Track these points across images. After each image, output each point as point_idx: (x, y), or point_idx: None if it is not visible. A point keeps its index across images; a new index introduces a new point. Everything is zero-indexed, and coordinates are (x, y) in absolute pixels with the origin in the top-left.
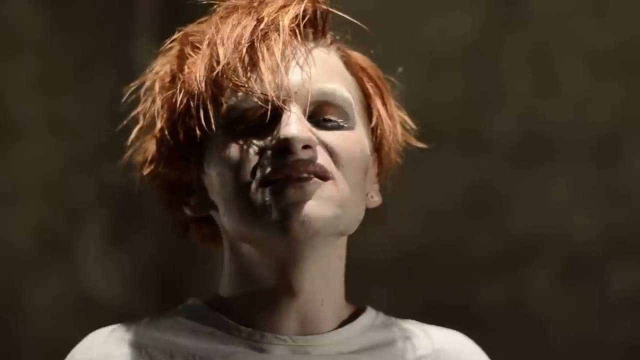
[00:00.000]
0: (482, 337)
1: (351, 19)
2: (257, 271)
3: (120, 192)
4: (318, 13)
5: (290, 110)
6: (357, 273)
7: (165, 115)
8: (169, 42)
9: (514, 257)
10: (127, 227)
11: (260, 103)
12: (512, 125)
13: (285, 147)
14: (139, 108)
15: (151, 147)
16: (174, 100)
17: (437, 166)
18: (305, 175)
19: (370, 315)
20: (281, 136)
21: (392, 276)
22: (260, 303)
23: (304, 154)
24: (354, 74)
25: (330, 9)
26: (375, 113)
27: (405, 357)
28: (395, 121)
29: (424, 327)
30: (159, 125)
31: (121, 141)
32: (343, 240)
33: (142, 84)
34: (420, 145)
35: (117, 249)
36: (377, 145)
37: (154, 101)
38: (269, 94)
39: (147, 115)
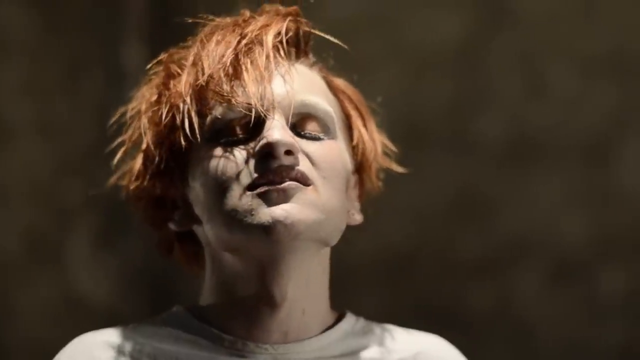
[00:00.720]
0: (470, 339)
1: (332, 38)
2: (239, 281)
3: (110, 195)
4: (300, 33)
5: (273, 118)
6: (345, 275)
7: (151, 131)
8: (155, 61)
9: (503, 259)
10: (116, 229)
11: (244, 112)
12: (501, 128)
13: (268, 151)
14: (126, 133)
15: (137, 163)
16: (159, 114)
17: (425, 168)
18: (287, 180)
19: (350, 321)
20: (264, 141)
21: (381, 278)
22: (242, 312)
23: (286, 160)
24: (335, 94)
25: (312, 30)
26: (356, 133)
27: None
28: (376, 143)
29: (404, 331)
30: (145, 141)
31: (110, 144)
32: (326, 252)
33: (130, 109)
34: (400, 170)
35: (106, 252)
36: (359, 166)
37: (139, 118)
38: (252, 103)
39: (133, 134)
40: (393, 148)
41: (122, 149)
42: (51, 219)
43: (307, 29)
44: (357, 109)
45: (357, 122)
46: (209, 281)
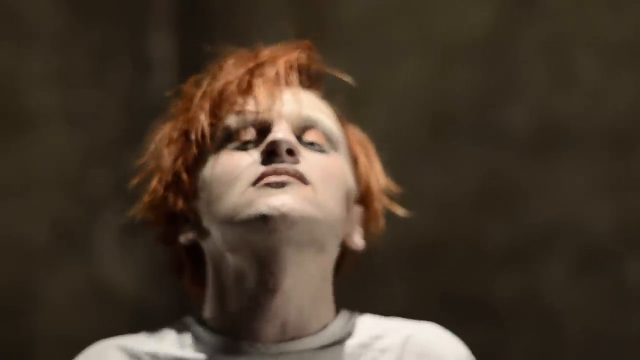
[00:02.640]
0: (497, 328)
1: (342, 76)
2: (239, 281)
3: (137, 184)
4: (312, 68)
5: (278, 125)
6: (372, 266)
7: (167, 148)
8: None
9: (529, 248)
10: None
11: (253, 120)
12: (528, 117)
13: (271, 149)
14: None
15: (154, 181)
16: (176, 130)
17: (452, 158)
18: (285, 177)
19: (344, 316)
20: (269, 140)
21: (407, 268)
22: (242, 310)
23: (288, 159)
24: (342, 126)
25: (323, 67)
26: (361, 166)
27: (370, 348)
28: (380, 182)
29: (399, 320)
30: (161, 159)
31: (138, 133)
32: (326, 262)
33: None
34: (401, 212)
35: (134, 241)
36: (362, 197)
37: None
38: (261, 112)
39: (153, 159)
40: (396, 190)
41: (142, 175)
42: (79, 208)
43: (318, 63)
44: (363, 148)
45: (362, 159)
46: (212, 289)
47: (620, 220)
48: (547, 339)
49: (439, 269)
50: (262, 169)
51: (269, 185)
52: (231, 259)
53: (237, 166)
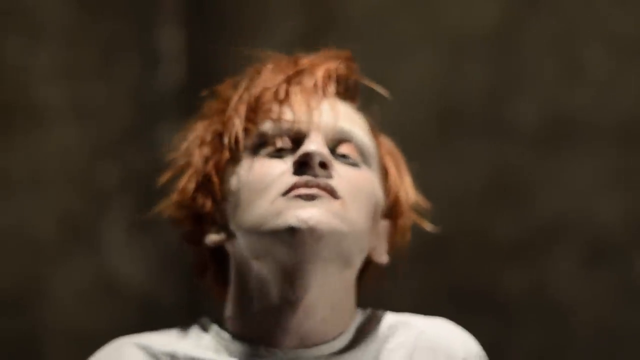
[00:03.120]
0: (505, 322)
1: (377, 88)
2: (262, 288)
3: (145, 178)
4: (351, 78)
5: (312, 135)
6: None
7: (199, 149)
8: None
9: (538, 242)
10: (153, 212)
11: (288, 129)
12: (536, 111)
13: (304, 161)
14: (178, 157)
15: (183, 180)
16: (209, 132)
17: (460, 152)
18: (316, 190)
19: (358, 318)
20: (301, 151)
21: (415, 262)
22: (262, 318)
23: (320, 172)
24: (374, 137)
25: (361, 79)
26: (391, 180)
27: (384, 347)
28: (409, 197)
29: (409, 317)
30: (194, 159)
31: (146, 127)
32: (350, 274)
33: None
34: (431, 228)
35: (142, 235)
36: (390, 211)
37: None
38: (296, 121)
39: (184, 157)
40: (427, 207)
41: (172, 172)
42: (86, 202)
43: (356, 74)
44: (394, 160)
45: (392, 171)
46: (234, 292)
47: (628, 214)
48: (555, 333)
49: (447, 263)
50: (293, 179)
51: (299, 197)
52: (255, 267)
53: (268, 174)
